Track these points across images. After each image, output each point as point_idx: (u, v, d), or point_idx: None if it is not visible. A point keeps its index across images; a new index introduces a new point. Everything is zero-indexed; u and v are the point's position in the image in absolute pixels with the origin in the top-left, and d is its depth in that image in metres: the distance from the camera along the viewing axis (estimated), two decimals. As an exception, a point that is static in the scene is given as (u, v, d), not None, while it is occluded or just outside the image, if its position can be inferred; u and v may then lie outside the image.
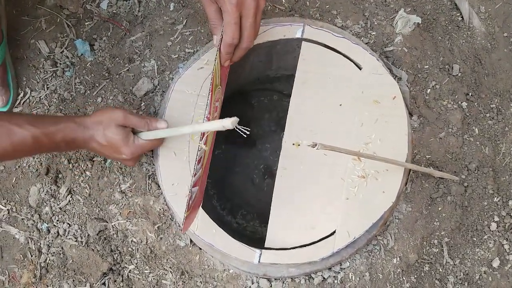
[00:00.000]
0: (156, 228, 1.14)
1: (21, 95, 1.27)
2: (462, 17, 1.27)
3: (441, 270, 1.14)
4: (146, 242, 1.15)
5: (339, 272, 1.11)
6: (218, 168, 1.52)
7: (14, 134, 0.92)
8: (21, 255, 1.20)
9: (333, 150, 0.88)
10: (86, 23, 1.30)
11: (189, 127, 0.94)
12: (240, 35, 0.94)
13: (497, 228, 1.16)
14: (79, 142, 1.00)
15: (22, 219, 1.21)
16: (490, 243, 1.16)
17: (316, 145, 0.84)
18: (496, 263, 1.15)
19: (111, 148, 1.00)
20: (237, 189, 1.51)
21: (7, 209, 1.21)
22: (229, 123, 0.82)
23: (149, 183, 1.15)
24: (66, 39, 1.30)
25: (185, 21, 1.25)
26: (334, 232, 1.06)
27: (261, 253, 1.05)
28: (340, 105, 1.10)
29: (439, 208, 1.15)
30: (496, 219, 1.17)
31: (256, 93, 1.55)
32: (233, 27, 0.92)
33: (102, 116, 1.00)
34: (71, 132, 0.98)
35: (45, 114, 1.11)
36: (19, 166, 1.23)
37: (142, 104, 1.20)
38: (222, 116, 1.04)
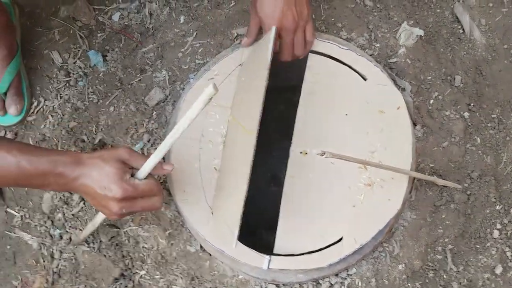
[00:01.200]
0: (167, 234, 1.17)
1: (35, 104, 1.30)
2: (463, 29, 1.30)
3: (445, 276, 1.16)
4: (157, 248, 1.17)
5: (345, 278, 1.13)
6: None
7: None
8: (33, 261, 1.21)
9: (340, 158, 0.91)
10: (99, 35, 1.34)
11: (176, 126, 0.85)
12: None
13: (499, 235, 1.19)
14: (68, 178, 0.88)
15: (35, 225, 1.23)
16: (492, 250, 1.18)
17: (324, 153, 0.87)
18: (498, 270, 1.17)
19: (101, 183, 0.87)
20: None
21: (21, 215, 1.24)
22: (211, 89, 0.77)
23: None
24: (79, 50, 1.33)
25: (195, 34, 1.29)
26: (341, 239, 1.08)
27: (270, 259, 1.08)
28: (346, 114, 1.14)
29: (443, 216, 1.17)
30: (499, 226, 1.19)
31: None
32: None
33: (103, 152, 0.91)
34: (61, 165, 0.87)
35: (42, 147, 1.01)
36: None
37: (154, 113, 1.24)
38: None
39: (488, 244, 1.19)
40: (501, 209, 1.20)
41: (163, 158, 0.93)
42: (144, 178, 0.91)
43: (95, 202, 0.91)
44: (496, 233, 1.19)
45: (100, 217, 1.05)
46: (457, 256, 1.17)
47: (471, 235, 1.18)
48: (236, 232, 1.02)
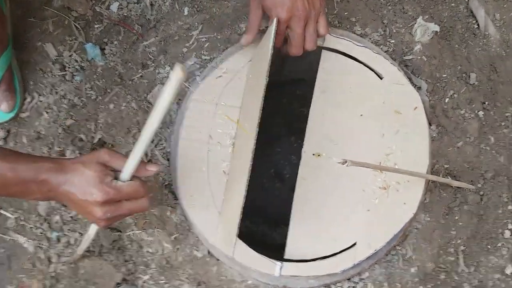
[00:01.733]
0: (173, 239, 1.12)
1: (28, 99, 1.23)
2: (478, 24, 1.27)
3: (456, 278, 1.15)
4: (162, 252, 1.13)
5: (358, 283, 1.11)
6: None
7: None
8: (30, 264, 1.17)
9: (362, 166, 0.87)
10: (96, 26, 1.27)
11: (149, 121, 0.77)
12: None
13: (510, 235, 1.18)
14: (52, 185, 0.84)
15: (31, 227, 1.18)
16: (503, 250, 1.17)
17: (346, 162, 0.83)
18: (509, 270, 1.16)
19: (82, 189, 0.83)
20: (247, 193, 1.50)
21: (15, 218, 1.18)
22: (178, 72, 0.68)
23: (165, 193, 1.14)
24: (74, 42, 1.26)
25: (200, 27, 1.23)
26: (355, 244, 1.05)
27: (282, 266, 1.04)
28: (361, 115, 1.10)
29: (456, 217, 1.15)
30: (510, 226, 1.18)
31: (266, 97, 1.53)
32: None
33: (84, 156, 0.88)
34: (44, 172, 0.83)
35: (22, 152, 0.93)
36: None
37: (157, 112, 1.18)
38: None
39: (499, 244, 1.18)
40: (513, 209, 1.19)
41: (149, 159, 0.87)
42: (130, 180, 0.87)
43: (79, 209, 0.88)
44: (507, 233, 1.18)
45: (93, 229, 0.99)
46: (469, 257, 1.16)
47: (483, 236, 1.17)
48: (233, 239, 1.00)
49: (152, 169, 0.89)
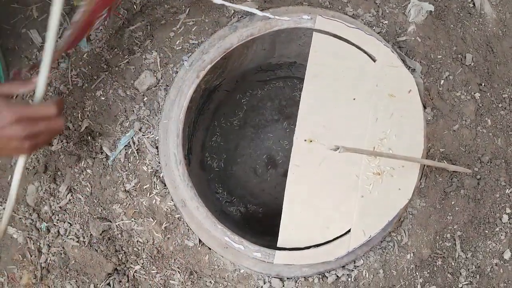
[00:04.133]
0: (163, 228, 1.10)
1: (14, 88, 1.20)
2: (473, 3, 1.23)
3: (453, 263, 1.13)
4: (153, 242, 1.11)
5: (353, 270, 1.09)
6: (221, 158, 1.49)
7: None
8: (20, 255, 1.15)
9: (356, 152, 0.84)
10: (81, 11, 1.23)
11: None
12: None
13: (508, 220, 1.16)
14: None
15: (20, 218, 1.16)
16: (501, 235, 1.15)
17: (338, 148, 0.80)
18: (507, 255, 1.14)
19: None
20: (240, 179, 1.48)
21: (3, 208, 1.16)
22: None
23: (154, 181, 1.11)
24: (60, 28, 1.22)
25: (187, 10, 1.19)
26: (349, 231, 1.03)
27: (275, 254, 1.02)
28: (354, 99, 1.06)
29: (452, 202, 1.13)
30: (508, 211, 1.16)
31: (258, 81, 1.50)
32: None
33: None
34: None
35: None
36: (14, 163, 1.17)
37: (145, 99, 1.15)
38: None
39: (497, 229, 1.15)
40: (511, 192, 1.16)
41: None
42: None
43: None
44: (505, 218, 1.16)
45: (18, 170, 0.95)
46: (466, 243, 1.14)
47: (480, 221, 1.15)
48: None
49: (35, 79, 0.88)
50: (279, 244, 1.04)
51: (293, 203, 1.05)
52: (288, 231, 1.04)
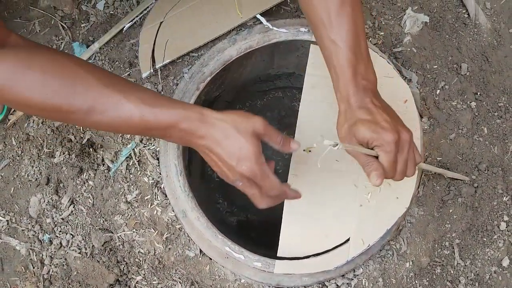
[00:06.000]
0: (164, 239, 1.11)
1: (16, 101, 1.21)
2: (468, 14, 1.25)
3: (452, 271, 1.14)
4: (154, 253, 1.12)
5: (352, 279, 1.09)
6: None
7: (122, 108, 0.78)
8: (22, 267, 1.16)
9: (354, 149, 0.84)
10: (82, 25, 1.25)
11: None
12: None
13: (506, 227, 1.16)
14: (193, 135, 0.81)
15: (23, 230, 1.17)
16: (499, 242, 1.16)
17: (337, 144, 0.81)
18: (505, 263, 1.15)
19: (233, 155, 0.80)
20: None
21: (7, 220, 1.17)
22: None
23: (155, 192, 1.12)
24: (61, 42, 1.25)
25: (187, 23, 1.21)
26: (348, 240, 1.04)
27: (275, 264, 1.03)
28: (351, 109, 1.07)
29: (450, 210, 1.14)
30: (506, 218, 1.17)
31: (257, 92, 1.52)
32: (392, 165, 0.84)
33: (236, 117, 0.81)
34: (185, 121, 0.80)
35: (161, 94, 0.91)
36: (17, 176, 1.19)
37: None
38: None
39: (495, 237, 1.16)
40: (508, 200, 1.17)
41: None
42: None
43: (215, 165, 0.83)
44: (503, 225, 1.16)
45: None
46: (464, 250, 1.14)
47: (478, 228, 1.16)
48: None
49: (295, 147, 0.89)
50: (279, 254, 1.05)
51: (293, 213, 1.06)
52: (288, 240, 1.05)
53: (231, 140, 0.80)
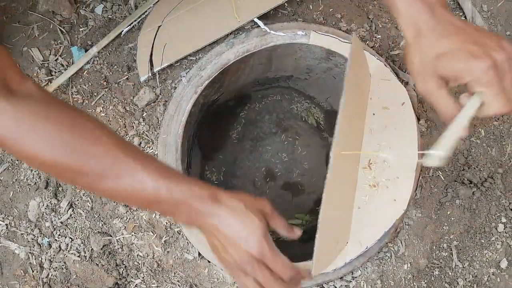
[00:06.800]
0: (163, 242, 1.12)
1: (15, 105, 1.22)
2: (465, 16, 1.25)
3: (450, 273, 1.14)
4: (153, 256, 1.12)
5: (350, 281, 1.10)
6: (220, 171, 1.51)
7: (137, 176, 0.75)
8: (22, 271, 1.16)
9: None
10: (81, 29, 1.26)
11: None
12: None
13: (504, 229, 1.17)
14: (201, 213, 0.77)
15: (22, 234, 1.17)
16: (497, 244, 1.16)
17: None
18: (504, 264, 1.15)
19: (239, 232, 0.75)
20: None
21: (6, 224, 1.18)
22: None
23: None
24: (60, 46, 1.25)
25: (185, 27, 1.22)
26: (346, 242, 1.04)
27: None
28: (349, 112, 1.08)
29: (448, 212, 1.14)
30: (504, 220, 1.17)
31: (256, 95, 1.53)
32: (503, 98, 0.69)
33: (243, 196, 0.79)
34: (198, 199, 0.77)
35: (175, 170, 0.85)
36: (16, 180, 1.19)
37: (144, 115, 1.17)
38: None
39: (493, 238, 1.16)
40: (506, 202, 1.17)
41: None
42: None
43: (219, 245, 0.79)
44: (501, 227, 1.16)
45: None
46: (462, 252, 1.15)
47: (476, 230, 1.16)
48: None
49: (298, 234, 0.84)
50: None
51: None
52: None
53: (239, 218, 0.76)
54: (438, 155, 0.73)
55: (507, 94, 0.68)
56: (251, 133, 1.53)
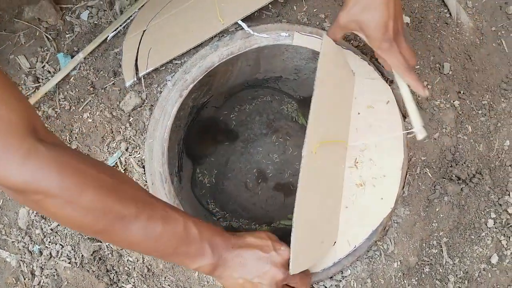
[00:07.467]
0: (153, 246, 1.11)
1: (3, 113, 1.22)
2: (450, 13, 1.25)
3: (441, 270, 1.14)
4: (143, 260, 1.12)
5: (340, 281, 1.10)
6: (212, 173, 1.51)
7: (167, 214, 0.83)
8: (13, 279, 1.16)
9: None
10: (67, 36, 1.26)
11: None
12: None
13: (494, 224, 1.17)
14: (226, 249, 0.90)
15: (13, 241, 1.17)
16: (488, 240, 1.16)
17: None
18: (494, 259, 1.15)
19: (259, 278, 0.91)
20: (231, 194, 1.49)
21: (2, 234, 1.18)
22: None
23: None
24: (47, 53, 1.25)
25: (169, 31, 1.22)
26: (334, 241, 1.04)
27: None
28: (334, 112, 1.08)
29: (437, 209, 1.14)
30: (493, 215, 1.17)
31: (245, 96, 1.53)
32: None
33: (264, 243, 0.95)
34: (223, 234, 0.90)
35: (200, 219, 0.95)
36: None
37: (131, 119, 1.17)
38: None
39: (483, 234, 1.16)
40: (494, 197, 1.17)
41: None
42: None
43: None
44: (490, 222, 1.17)
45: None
46: (452, 249, 1.15)
47: (466, 226, 1.16)
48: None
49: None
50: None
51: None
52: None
53: (260, 266, 0.91)
54: (421, 127, 0.90)
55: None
56: (242, 134, 1.53)
